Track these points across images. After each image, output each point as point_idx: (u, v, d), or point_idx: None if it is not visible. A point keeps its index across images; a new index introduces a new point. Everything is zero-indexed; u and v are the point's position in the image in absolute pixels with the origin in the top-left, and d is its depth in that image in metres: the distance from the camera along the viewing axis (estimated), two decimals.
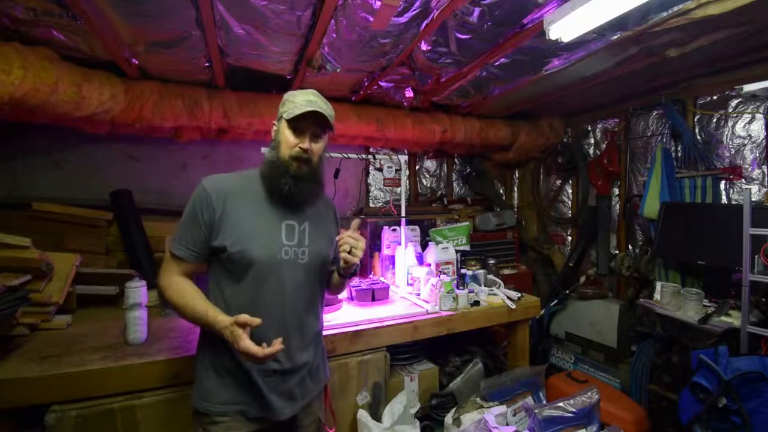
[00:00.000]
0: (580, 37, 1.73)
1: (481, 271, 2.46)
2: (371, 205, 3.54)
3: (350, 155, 2.32)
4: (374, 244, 3.04)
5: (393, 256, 2.80)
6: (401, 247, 2.56)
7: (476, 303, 2.24)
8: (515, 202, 4.13)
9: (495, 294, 2.37)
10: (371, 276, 2.88)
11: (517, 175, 4.10)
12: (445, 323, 2.10)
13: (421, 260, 2.58)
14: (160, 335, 1.80)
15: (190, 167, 2.89)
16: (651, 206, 2.53)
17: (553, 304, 3.15)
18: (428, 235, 3.06)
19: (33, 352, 1.56)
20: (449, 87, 2.46)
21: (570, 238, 3.57)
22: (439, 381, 2.23)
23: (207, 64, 2.07)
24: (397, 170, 2.37)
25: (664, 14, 1.56)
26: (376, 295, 2.31)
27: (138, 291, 1.70)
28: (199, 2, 1.52)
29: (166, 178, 2.82)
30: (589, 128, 3.39)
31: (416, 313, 2.08)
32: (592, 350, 3.03)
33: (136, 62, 2.04)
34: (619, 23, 1.63)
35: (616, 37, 1.75)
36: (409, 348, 2.18)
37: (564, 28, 1.58)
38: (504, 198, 4.08)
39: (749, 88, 1.88)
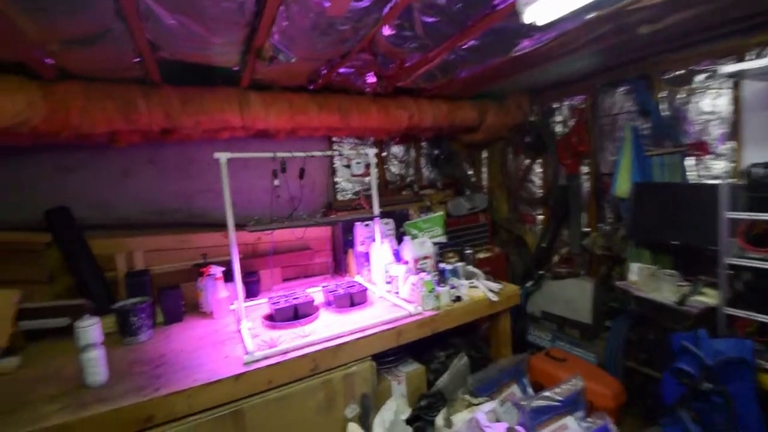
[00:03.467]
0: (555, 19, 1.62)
1: (460, 264, 2.40)
2: (339, 198, 3.37)
3: (315, 153, 2.14)
4: (347, 240, 2.91)
5: (368, 253, 2.69)
6: (377, 244, 2.45)
7: (458, 299, 2.19)
8: (485, 182, 4.09)
9: (476, 287, 2.33)
10: (346, 276, 2.77)
11: (485, 155, 4.05)
12: (428, 324, 2.03)
13: (398, 256, 2.49)
14: (123, 370, 1.62)
15: (134, 173, 2.59)
16: (622, 186, 2.54)
17: (528, 285, 3.18)
18: (402, 226, 2.97)
19: None
20: (414, 72, 2.31)
21: (541, 217, 3.59)
22: (426, 379, 2.19)
23: (137, 59, 1.80)
24: (366, 165, 2.23)
25: None
26: (355, 299, 2.20)
27: (90, 331, 1.50)
28: None
29: (106, 189, 2.51)
30: (556, 106, 3.35)
31: (399, 317, 2.00)
32: (568, 327, 3.09)
33: (52, 62, 1.74)
34: (595, 3, 1.53)
35: (590, 16, 1.65)
36: (392, 350, 2.11)
37: (539, 11, 1.47)
38: (474, 180, 4.03)
39: (727, 69, 1.85)
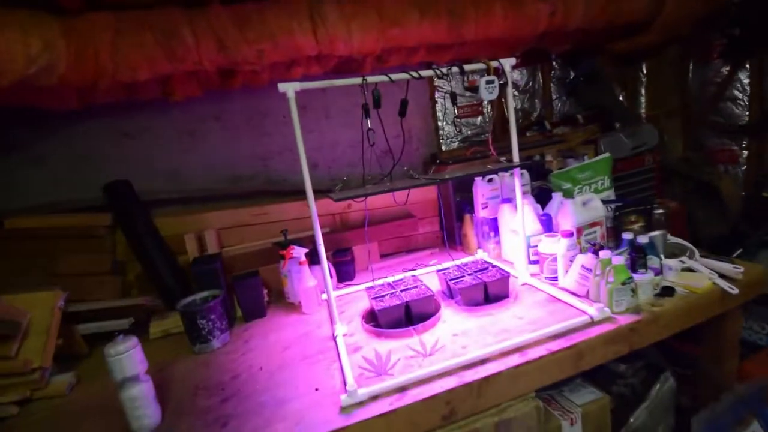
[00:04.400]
0: None
1: (658, 233, 1.50)
2: (443, 147, 2.61)
3: (423, 73, 1.41)
4: (461, 203, 2.16)
5: (494, 220, 1.94)
6: (518, 207, 1.65)
7: (667, 291, 1.34)
8: (642, 111, 2.94)
9: (689, 269, 1.44)
10: (473, 253, 2.02)
11: (644, 71, 2.87)
12: (625, 338, 1.24)
13: (547, 224, 1.68)
14: (183, 400, 1.18)
15: (200, 134, 2.14)
16: None
17: (736, 254, 2.14)
18: (539, 178, 2.13)
19: None
20: None
21: (746, 152, 2.41)
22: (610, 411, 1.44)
23: None
24: (502, 84, 1.42)
25: None
26: (491, 290, 1.49)
27: (125, 360, 1.03)
28: None
29: (173, 155, 2.10)
30: None
31: (574, 326, 1.24)
32: None
33: None
34: None
35: None
36: None
37: None
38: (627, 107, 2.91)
39: None
